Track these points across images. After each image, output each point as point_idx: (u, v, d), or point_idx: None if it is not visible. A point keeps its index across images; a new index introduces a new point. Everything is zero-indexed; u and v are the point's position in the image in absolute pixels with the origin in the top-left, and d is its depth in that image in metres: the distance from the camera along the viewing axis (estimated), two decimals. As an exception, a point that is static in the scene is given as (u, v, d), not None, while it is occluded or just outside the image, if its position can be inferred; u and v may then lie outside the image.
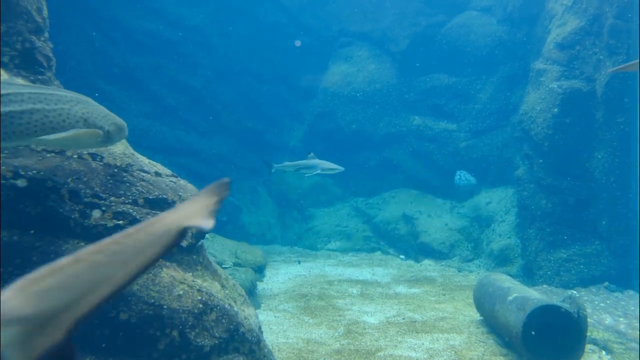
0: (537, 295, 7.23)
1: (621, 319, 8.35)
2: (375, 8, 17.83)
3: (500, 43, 15.82)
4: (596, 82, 11.08)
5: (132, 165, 4.50)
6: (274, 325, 8.36)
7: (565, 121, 11.39)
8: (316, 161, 11.29)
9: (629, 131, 10.69)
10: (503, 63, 15.80)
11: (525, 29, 14.76)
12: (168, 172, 4.93)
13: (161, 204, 4.44)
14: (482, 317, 8.59)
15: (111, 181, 4.21)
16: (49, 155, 3.94)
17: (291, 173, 16.18)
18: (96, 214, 3.98)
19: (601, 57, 10.96)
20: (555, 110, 11.45)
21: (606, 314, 8.64)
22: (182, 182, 4.93)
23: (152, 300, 3.95)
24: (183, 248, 4.43)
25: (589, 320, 7.30)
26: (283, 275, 12.02)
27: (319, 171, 11.12)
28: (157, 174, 4.72)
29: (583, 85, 11.32)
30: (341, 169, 11.17)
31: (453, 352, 7.31)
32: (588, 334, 7.09)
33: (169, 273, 4.23)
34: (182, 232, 1.90)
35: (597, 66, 11.10)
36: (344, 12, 18.14)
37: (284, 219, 16.92)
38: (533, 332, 6.67)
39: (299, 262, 13.47)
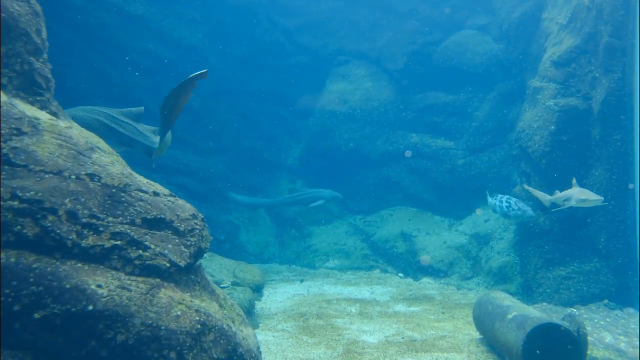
0: (536, 313, 7.20)
1: (621, 338, 8.31)
2: (371, 27, 17.97)
3: (496, 61, 15.94)
4: (592, 99, 11.15)
5: (130, 185, 4.49)
6: (273, 346, 8.29)
7: (562, 139, 11.43)
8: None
9: (625, 148, 10.72)
10: (499, 81, 15.90)
11: (521, 47, 14.85)
12: (166, 191, 4.92)
13: (159, 224, 4.43)
14: (481, 336, 8.54)
15: (109, 201, 4.20)
16: (47, 176, 3.94)
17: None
18: (94, 234, 3.96)
19: (597, 74, 11.04)
20: (552, 127, 11.50)
21: (606, 332, 8.59)
22: (180, 201, 4.92)
23: (150, 321, 3.92)
24: (181, 268, 4.40)
25: (589, 338, 7.26)
26: (281, 294, 11.95)
27: (573, 203, 9.30)
28: (155, 193, 4.71)
29: (579, 103, 11.39)
30: (601, 198, 9.28)
31: (453, 372, 7.26)
32: (588, 352, 7.05)
33: (167, 293, 4.20)
34: None
35: (593, 84, 11.17)
36: (340, 32, 18.26)
37: (282, 238, 16.85)
38: (533, 351, 6.62)
39: (301, 281, 13.39)
